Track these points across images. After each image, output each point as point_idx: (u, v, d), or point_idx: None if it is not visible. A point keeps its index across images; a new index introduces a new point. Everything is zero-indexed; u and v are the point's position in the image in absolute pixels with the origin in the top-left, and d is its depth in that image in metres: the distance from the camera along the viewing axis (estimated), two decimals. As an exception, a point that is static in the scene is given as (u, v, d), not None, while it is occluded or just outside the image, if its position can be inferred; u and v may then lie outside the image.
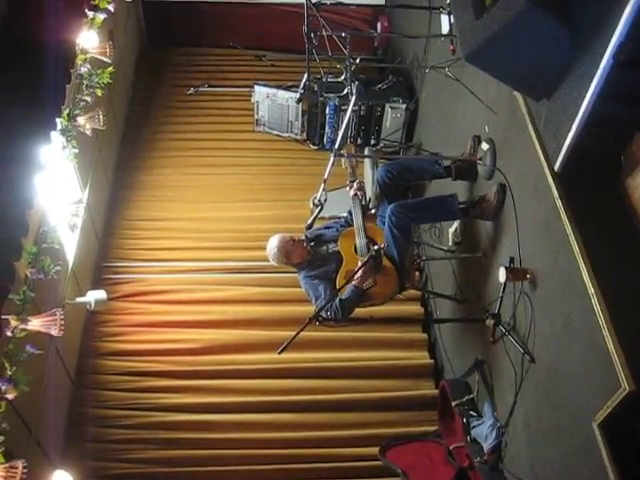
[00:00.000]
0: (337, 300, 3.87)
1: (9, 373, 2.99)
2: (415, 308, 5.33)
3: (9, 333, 3.07)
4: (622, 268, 2.98)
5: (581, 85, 2.94)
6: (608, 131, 3.08)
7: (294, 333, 3.55)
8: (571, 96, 3.04)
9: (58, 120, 3.68)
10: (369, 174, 5.41)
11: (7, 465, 2.81)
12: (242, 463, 4.55)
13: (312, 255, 4.14)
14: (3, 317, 3.07)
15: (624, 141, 3.10)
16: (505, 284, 3.76)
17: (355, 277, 3.84)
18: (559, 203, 3.19)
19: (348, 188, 4.18)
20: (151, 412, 4.71)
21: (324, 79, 5.01)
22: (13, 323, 3.10)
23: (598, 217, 3.16)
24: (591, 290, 2.89)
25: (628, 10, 2.60)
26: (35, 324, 3.18)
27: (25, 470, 2.80)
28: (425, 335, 5.23)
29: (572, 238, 3.06)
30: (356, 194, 4.12)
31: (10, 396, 2.97)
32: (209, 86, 6.84)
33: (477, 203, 4.09)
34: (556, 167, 3.22)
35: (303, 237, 4.12)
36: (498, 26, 2.97)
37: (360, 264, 3.81)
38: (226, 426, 4.68)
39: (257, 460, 4.57)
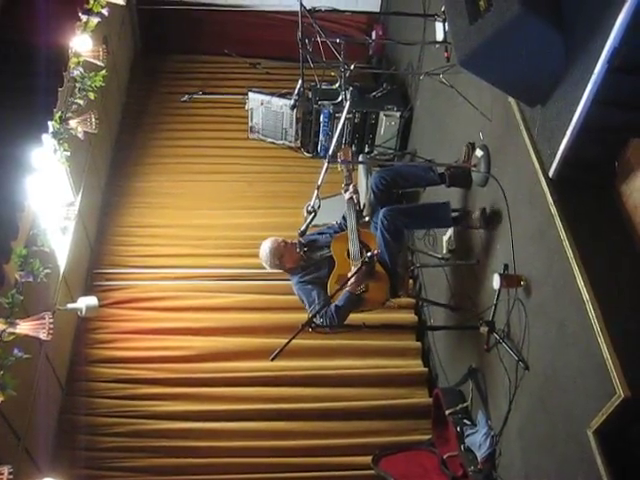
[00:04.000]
0: (332, 306, 3.85)
1: (-4, 377, 2.96)
2: (409, 316, 5.30)
3: (-4, 336, 3.04)
4: (616, 274, 2.97)
5: (575, 91, 2.94)
6: (603, 137, 3.07)
7: (287, 340, 3.52)
8: (565, 102, 3.04)
9: (50, 123, 3.66)
10: (363, 181, 5.41)
11: (-7, 471, 2.77)
12: (234, 472, 4.50)
13: (305, 261, 4.12)
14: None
15: (618, 147, 3.09)
16: (499, 291, 3.74)
17: (349, 283, 3.82)
18: (553, 209, 3.18)
19: (344, 191, 4.17)
20: (142, 420, 4.65)
21: (318, 86, 5.00)
22: (1, 326, 3.06)
23: (592, 223, 3.15)
24: (586, 296, 2.87)
25: (622, 15, 2.61)
26: (23, 327, 3.14)
27: (11, 476, 2.75)
28: (419, 343, 5.20)
29: (566, 244, 3.05)
30: (351, 197, 4.11)
31: (-3, 400, 2.93)
32: (203, 93, 6.84)
33: (464, 217, 4.11)
34: (550, 173, 3.22)
35: (296, 241, 4.10)
36: (492, 31, 2.98)
37: (353, 269, 3.80)
38: (218, 434, 4.63)
39: (250, 469, 4.52)
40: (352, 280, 3.81)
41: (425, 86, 5.58)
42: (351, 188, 4.11)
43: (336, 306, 3.85)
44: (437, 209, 4.17)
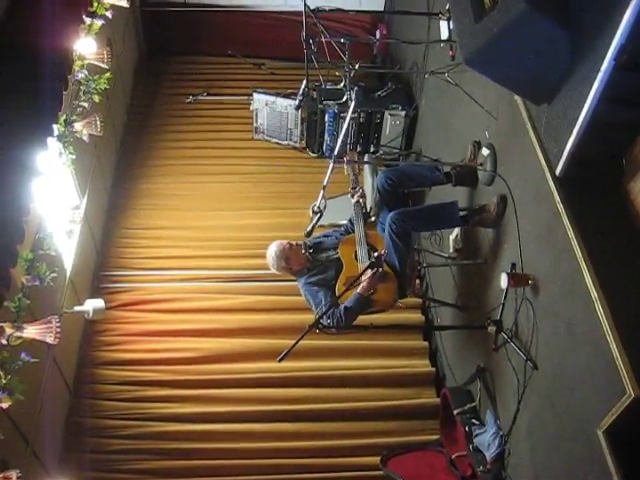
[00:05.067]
0: (342, 308, 3.84)
1: (4, 382, 2.95)
2: (416, 316, 5.28)
3: (4, 341, 3.03)
4: (625, 272, 2.95)
5: (582, 88, 2.91)
6: (610, 135, 3.05)
7: (294, 341, 3.51)
8: (572, 100, 3.01)
9: (55, 126, 3.66)
10: (369, 181, 5.40)
11: (1, 475, 2.76)
12: (241, 473, 4.50)
13: (311, 262, 4.12)
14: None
15: (626, 145, 3.07)
16: (507, 290, 3.72)
17: (360, 285, 3.81)
18: (561, 208, 3.16)
19: (350, 195, 4.17)
20: (149, 422, 4.65)
21: (323, 86, 5.00)
22: (8, 330, 3.06)
23: (600, 221, 3.13)
24: (594, 295, 2.85)
25: (629, 12, 2.58)
26: (30, 332, 3.13)
27: (20, 480, 2.76)
28: (426, 343, 5.19)
29: (574, 243, 3.03)
30: (358, 201, 4.11)
31: (5, 405, 2.92)
32: (208, 94, 6.85)
33: (477, 212, 4.07)
34: (557, 171, 3.19)
35: (302, 243, 4.09)
36: (497, 29, 2.95)
37: (361, 271, 3.78)
38: (225, 436, 4.63)
39: (256, 470, 4.52)
40: (364, 283, 3.80)
41: (430, 85, 5.56)
42: (358, 191, 4.11)
43: (345, 307, 3.84)
44: (445, 210, 4.14)
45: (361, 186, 4.21)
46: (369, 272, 3.74)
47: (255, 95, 6.35)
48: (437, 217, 4.21)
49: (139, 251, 5.66)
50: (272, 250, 4.06)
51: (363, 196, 4.13)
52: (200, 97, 6.78)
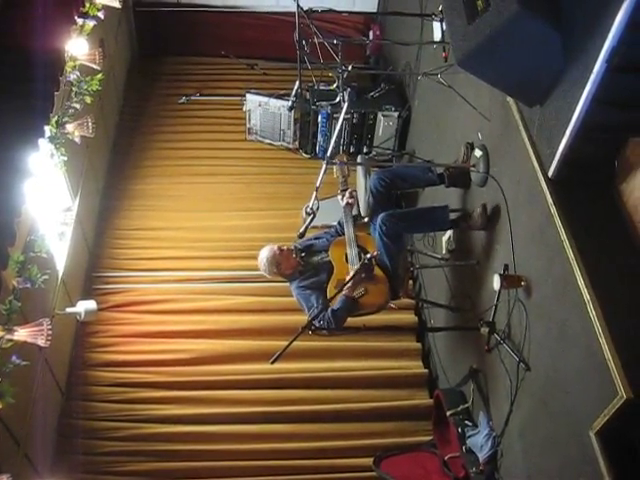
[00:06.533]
0: (329, 311, 3.83)
1: (-6, 385, 2.94)
2: (409, 317, 5.29)
3: (-6, 343, 3.02)
4: (617, 274, 2.95)
5: (574, 90, 2.92)
6: (602, 136, 3.06)
7: (286, 343, 3.51)
8: (564, 101, 3.03)
9: (46, 127, 3.64)
10: (362, 182, 5.38)
11: (-8, 479, 2.75)
12: (235, 475, 4.49)
13: (303, 266, 4.11)
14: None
15: (618, 146, 3.08)
16: (499, 291, 3.72)
17: (345, 287, 3.81)
18: (553, 209, 3.16)
19: (340, 197, 4.17)
20: (142, 424, 4.64)
21: (316, 87, 5.00)
22: (-1, 333, 3.05)
23: (592, 223, 3.14)
24: (586, 296, 2.86)
25: (621, 14, 2.59)
26: (21, 334, 3.12)
27: (10, 484, 2.74)
28: (419, 344, 5.19)
29: (567, 244, 3.04)
30: (348, 203, 4.10)
31: (-5, 408, 2.91)
32: (201, 95, 6.83)
33: (464, 218, 4.10)
34: (550, 173, 3.21)
35: (292, 247, 4.08)
36: (490, 31, 2.97)
37: (351, 273, 3.79)
38: (219, 437, 4.62)
39: (250, 472, 4.51)
40: (349, 284, 3.80)
41: (423, 86, 5.56)
42: (347, 194, 4.11)
43: (333, 310, 3.84)
44: (434, 213, 4.17)
45: (351, 188, 4.20)
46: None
47: (248, 96, 6.34)
48: (427, 219, 4.23)
49: (131, 252, 5.64)
50: (263, 256, 4.05)
51: (352, 197, 4.13)
52: (193, 97, 6.76)
